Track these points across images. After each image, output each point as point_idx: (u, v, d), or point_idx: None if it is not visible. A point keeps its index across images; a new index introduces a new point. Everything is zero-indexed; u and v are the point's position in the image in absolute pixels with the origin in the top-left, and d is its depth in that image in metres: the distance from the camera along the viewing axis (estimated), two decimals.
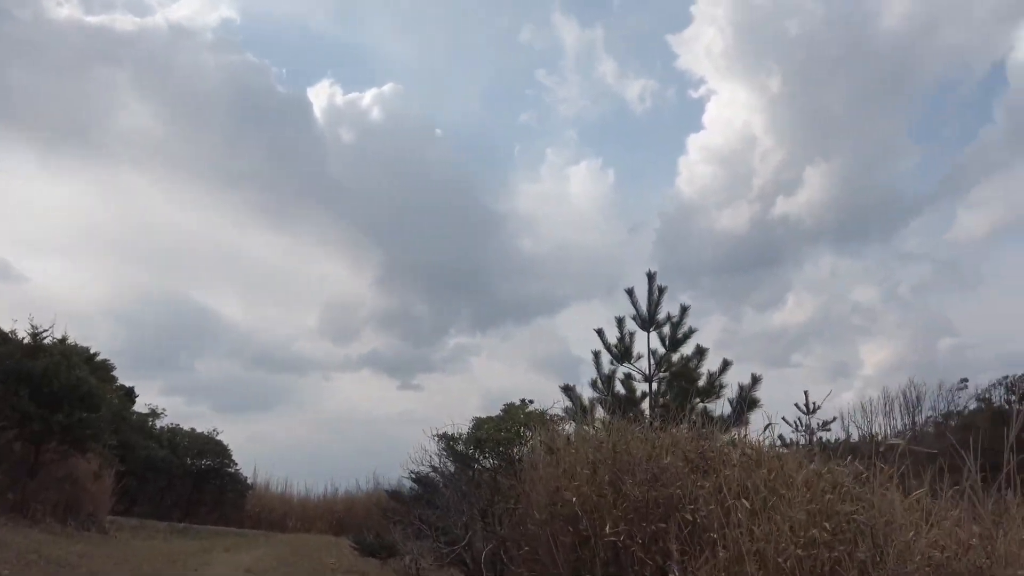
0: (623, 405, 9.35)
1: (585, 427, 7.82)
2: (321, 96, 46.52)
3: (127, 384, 19.89)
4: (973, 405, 27.57)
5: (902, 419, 28.18)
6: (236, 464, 20.53)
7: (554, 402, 9.48)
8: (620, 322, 10.64)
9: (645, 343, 10.47)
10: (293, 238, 45.76)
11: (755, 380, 10.04)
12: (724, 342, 38.26)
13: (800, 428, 10.65)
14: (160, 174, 40.39)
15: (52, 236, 40.21)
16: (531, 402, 10.07)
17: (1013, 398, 26.46)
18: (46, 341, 12.75)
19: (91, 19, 38.56)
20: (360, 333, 47.14)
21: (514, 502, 7.55)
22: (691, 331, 10.45)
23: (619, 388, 10.58)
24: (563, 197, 49.01)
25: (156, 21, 41.38)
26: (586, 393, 10.28)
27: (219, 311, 45.77)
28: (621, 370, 10.59)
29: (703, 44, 42.03)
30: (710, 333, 14.96)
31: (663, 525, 5.12)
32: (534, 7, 53.05)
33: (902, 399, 28.10)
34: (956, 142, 47.26)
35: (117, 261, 42.71)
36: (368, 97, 45.80)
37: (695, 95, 47.76)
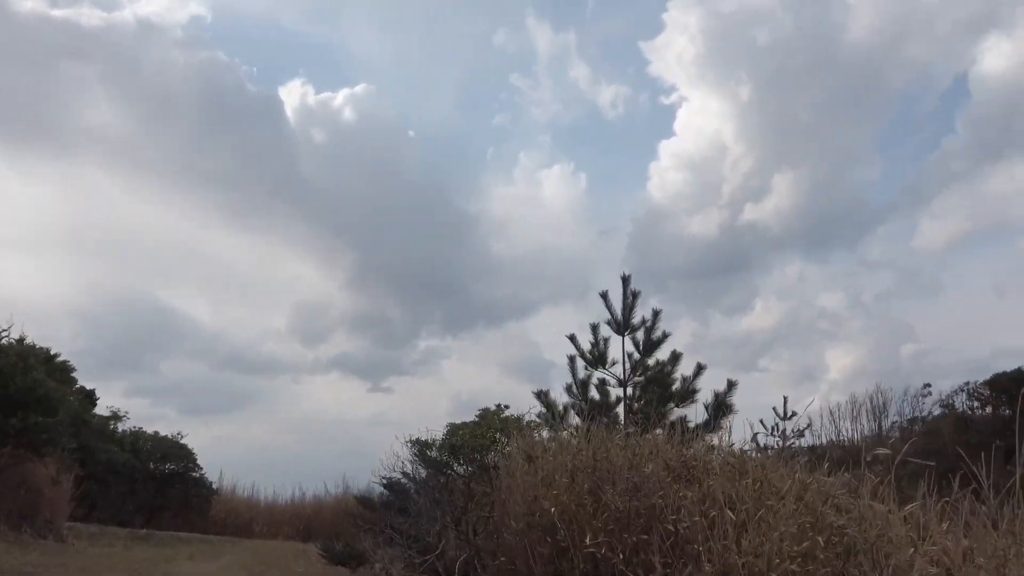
0: (598, 410, 9.22)
1: (564, 433, 7.68)
2: (293, 95, 45.52)
3: (88, 386, 19.38)
4: (937, 411, 28.20)
5: (868, 424, 28.73)
6: (201, 468, 20.05)
7: (529, 407, 9.34)
8: (595, 328, 10.47)
9: (620, 348, 10.30)
10: (263, 239, 44.78)
11: (731, 385, 9.87)
12: (693, 346, 38.44)
13: (776, 434, 10.63)
14: (127, 172, 39.06)
15: (14, 234, 38.87)
16: (507, 407, 9.92)
17: (975, 404, 27.11)
18: (3, 342, 12.32)
19: (57, 13, 37.27)
20: (330, 335, 46.36)
21: (489, 510, 7.38)
22: (665, 335, 10.28)
23: (593, 393, 10.46)
24: (536, 200, 48.81)
25: (124, 16, 40.04)
26: (560, 399, 10.12)
27: (186, 312, 44.58)
28: (596, 375, 10.48)
29: (675, 51, 42.20)
30: (680, 338, 14.90)
31: (645, 536, 4.99)
32: (508, 10, 52.83)
33: (869, 404, 28.66)
34: (919, 152, 48.29)
35: (81, 260, 41.42)
36: (340, 97, 44.89)
37: (667, 101, 47.80)
